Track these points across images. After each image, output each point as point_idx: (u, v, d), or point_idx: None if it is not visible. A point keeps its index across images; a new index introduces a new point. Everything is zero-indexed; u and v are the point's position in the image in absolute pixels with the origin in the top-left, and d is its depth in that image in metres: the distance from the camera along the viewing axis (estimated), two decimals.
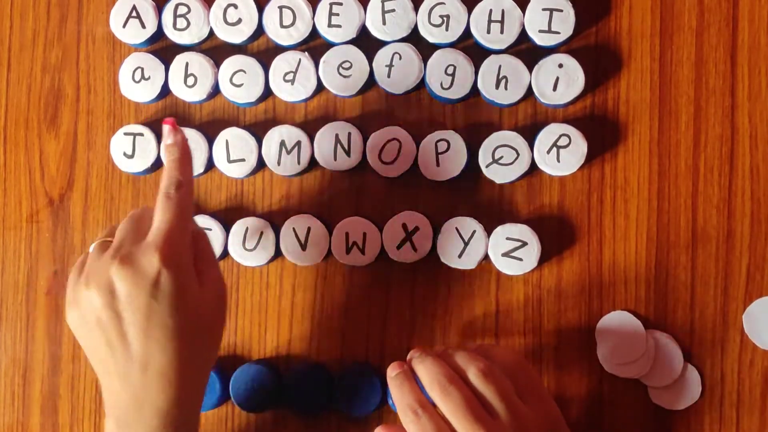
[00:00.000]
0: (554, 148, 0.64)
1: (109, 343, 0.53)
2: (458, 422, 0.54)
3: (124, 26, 0.67)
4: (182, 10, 0.66)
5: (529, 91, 0.65)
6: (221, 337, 0.58)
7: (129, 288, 0.52)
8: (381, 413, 0.66)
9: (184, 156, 0.58)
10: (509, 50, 0.65)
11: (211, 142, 0.66)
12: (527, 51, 0.65)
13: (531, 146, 0.64)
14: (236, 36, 0.66)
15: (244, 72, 0.66)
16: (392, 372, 0.58)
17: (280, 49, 0.67)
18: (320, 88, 0.66)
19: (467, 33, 0.65)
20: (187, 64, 0.66)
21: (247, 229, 0.65)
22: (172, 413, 0.53)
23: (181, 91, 0.66)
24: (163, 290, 0.52)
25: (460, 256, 0.64)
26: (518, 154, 0.64)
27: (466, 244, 0.64)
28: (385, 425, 0.58)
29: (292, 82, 0.66)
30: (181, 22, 0.66)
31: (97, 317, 0.53)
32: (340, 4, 0.65)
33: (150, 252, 0.53)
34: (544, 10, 0.64)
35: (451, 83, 0.64)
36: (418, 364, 0.57)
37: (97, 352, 0.54)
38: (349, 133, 0.65)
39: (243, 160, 0.66)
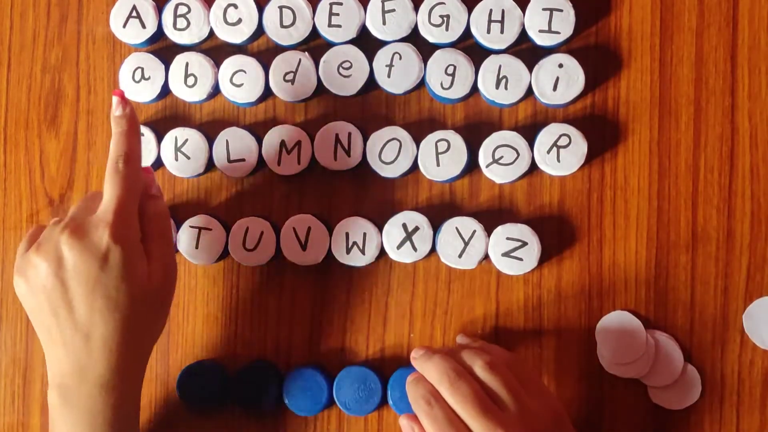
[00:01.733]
0: (554, 148, 0.64)
1: (54, 311, 0.55)
2: (468, 414, 0.55)
3: (124, 26, 0.67)
4: (182, 10, 0.66)
5: (529, 91, 0.65)
6: (167, 312, 0.60)
7: (76, 258, 0.54)
8: (380, 413, 0.66)
9: (132, 128, 0.59)
10: (509, 50, 0.65)
11: (211, 142, 0.66)
12: (527, 51, 0.65)
13: (531, 146, 0.64)
14: (236, 36, 0.66)
15: (244, 72, 0.66)
16: (410, 377, 0.59)
17: (280, 49, 0.67)
18: (320, 88, 0.66)
19: (467, 33, 0.65)
20: (187, 64, 0.66)
21: (247, 229, 0.65)
22: (113, 382, 0.55)
23: (181, 91, 0.66)
24: (111, 264, 0.54)
25: (460, 256, 0.64)
26: (518, 154, 0.64)
27: (466, 244, 0.64)
28: (407, 415, 0.59)
29: (292, 82, 0.66)
30: (181, 22, 0.66)
31: (43, 285, 0.55)
32: (340, 4, 0.65)
33: (101, 226, 0.55)
34: (544, 10, 0.64)
35: (451, 83, 0.64)
36: (426, 361, 0.58)
37: (42, 320, 0.56)
38: (349, 133, 0.65)
39: (243, 160, 0.66)
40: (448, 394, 0.56)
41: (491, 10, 0.64)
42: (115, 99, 0.59)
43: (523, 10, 0.64)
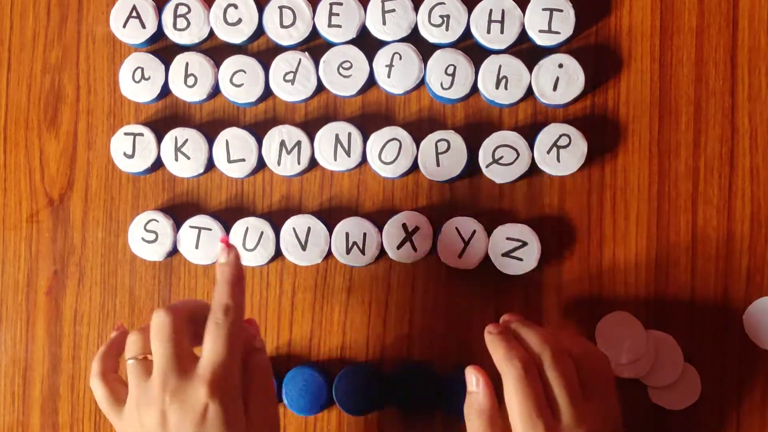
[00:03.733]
0: (554, 148, 0.64)
1: None
2: (561, 394, 0.54)
3: (124, 26, 0.67)
4: (182, 10, 0.66)
5: (529, 91, 0.65)
6: None
7: (178, 418, 0.52)
8: (381, 412, 0.66)
9: (236, 277, 0.56)
10: (509, 50, 0.65)
11: (211, 142, 0.66)
12: (527, 51, 0.65)
13: (531, 146, 0.64)
14: (236, 36, 0.66)
15: (244, 72, 0.66)
16: (492, 329, 0.58)
17: (280, 49, 0.67)
18: (320, 88, 0.66)
19: (467, 33, 0.65)
20: (187, 64, 0.66)
21: (247, 229, 0.65)
22: None
23: (181, 91, 0.66)
24: (209, 422, 0.52)
25: (460, 256, 0.64)
26: (518, 154, 0.64)
27: (466, 244, 0.64)
28: (475, 366, 0.57)
29: (292, 82, 0.66)
30: (181, 22, 0.66)
31: None
32: (340, 4, 0.65)
33: (198, 385, 0.53)
34: (544, 10, 0.64)
35: (451, 83, 0.64)
36: (529, 328, 0.57)
37: None
38: (349, 133, 0.65)
39: (243, 160, 0.66)
40: (551, 367, 0.54)
41: (491, 10, 0.64)
42: (219, 245, 0.57)
43: (523, 10, 0.64)
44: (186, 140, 0.66)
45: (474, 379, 0.57)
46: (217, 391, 0.52)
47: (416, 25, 0.65)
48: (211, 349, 0.53)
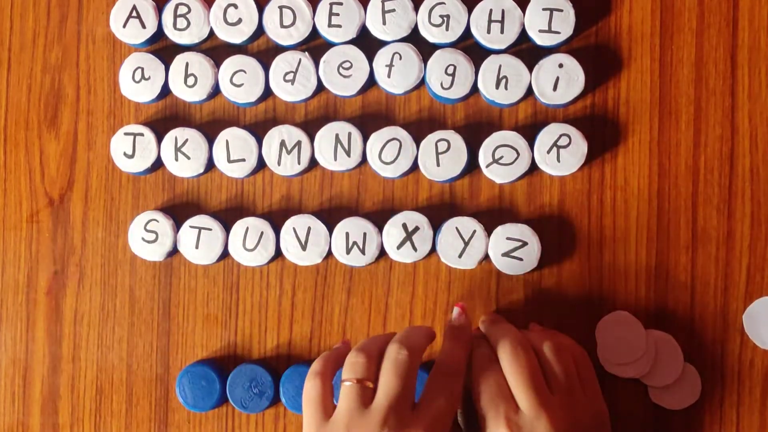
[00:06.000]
0: (554, 148, 0.64)
1: None
2: (518, 384, 0.56)
3: (124, 26, 0.67)
4: (182, 10, 0.66)
5: (529, 91, 0.65)
6: None
7: None
8: None
9: (467, 342, 0.59)
10: (509, 50, 0.65)
11: (211, 142, 0.66)
12: (527, 51, 0.65)
13: (531, 146, 0.64)
14: (236, 36, 0.66)
15: (244, 72, 0.66)
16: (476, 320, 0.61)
17: (280, 49, 0.67)
18: (320, 88, 0.66)
19: (467, 33, 0.65)
20: (187, 64, 0.66)
21: (247, 229, 0.65)
22: None
23: (181, 91, 0.66)
24: None
25: (460, 256, 0.64)
26: (518, 154, 0.64)
27: (466, 244, 0.64)
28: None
29: (292, 82, 0.66)
30: (181, 22, 0.66)
31: None
32: (340, 4, 0.65)
33: (417, 426, 0.53)
34: (544, 10, 0.64)
35: (451, 83, 0.64)
36: (493, 325, 0.60)
37: None
38: (349, 133, 0.65)
39: (243, 160, 0.66)
40: (506, 360, 0.57)
41: (491, 10, 0.64)
42: (456, 310, 0.61)
43: (523, 10, 0.64)
44: (186, 140, 0.66)
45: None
46: None
47: (416, 25, 0.65)
48: (431, 398, 0.55)
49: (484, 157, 0.64)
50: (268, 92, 0.67)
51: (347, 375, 0.55)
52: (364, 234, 0.65)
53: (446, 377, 0.56)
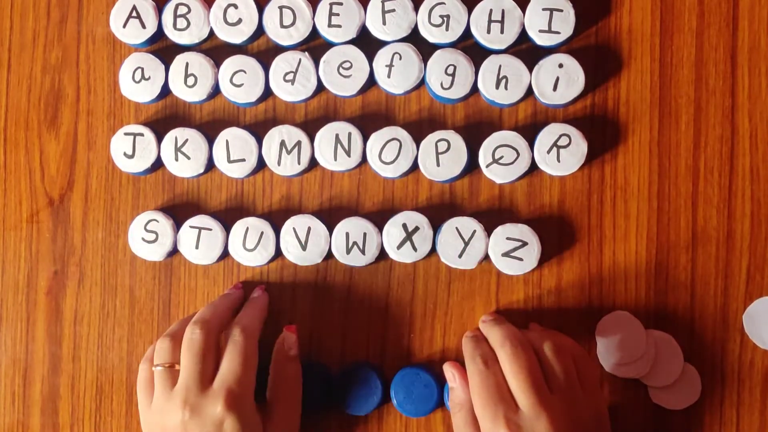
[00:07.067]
0: (554, 148, 0.64)
1: None
2: (518, 384, 0.56)
3: (124, 26, 0.67)
4: (182, 10, 0.66)
5: (529, 91, 0.65)
6: None
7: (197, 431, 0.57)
8: (381, 412, 0.66)
9: (260, 307, 0.64)
10: (509, 50, 0.65)
11: (211, 142, 0.66)
12: (527, 51, 0.65)
13: (531, 146, 0.64)
14: (236, 36, 0.66)
15: (244, 72, 0.66)
16: (469, 333, 0.62)
17: (280, 49, 0.67)
18: (320, 88, 0.66)
19: (467, 33, 0.65)
20: (187, 64, 0.66)
21: (247, 229, 0.66)
22: None
23: (181, 91, 0.66)
24: None
25: (460, 256, 0.64)
26: (518, 154, 0.64)
27: (466, 244, 0.64)
28: (452, 362, 0.62)
29: (292, 82, 0.66)
30: (181, 22, 0.66)
31: None
32: (340, 4, 0.65)
33: (216, 402, 0.57)
34: (544, 10, 0.64)
35: (451, 83, 0.64)
36: (495, 325, 0.60)
37: None
38: (349, 133, 0.65)
39: (243, 160, 0.66)
40: (506, 360, 0.57)
41: (491, 10, 0.64)
42: (259, 288, 0.66)
43: (523, 10, 0.64)
44: (186, 140, 0.66)
45: (451, 375, 0.61)
46: (233, 406, 0.57)
47: (416, 25, 0.65)
48: (228, 367, 0.58)
49: (484, 157, 0.64)
50: (268, 92, 0.67)
51: (156, 361, 0.60)
52: (364, 234, 0.65)
53: (237, 345, 0.59)
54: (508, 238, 0.64)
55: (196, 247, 0.66)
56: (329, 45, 0.66)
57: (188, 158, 0.66)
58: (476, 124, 0.66)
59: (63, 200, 0.68)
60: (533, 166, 0.64)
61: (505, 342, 0.58)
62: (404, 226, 0.65)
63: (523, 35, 0.65)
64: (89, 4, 0.69)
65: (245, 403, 0.58)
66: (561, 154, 0.64)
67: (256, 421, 0.58)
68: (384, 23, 0.65)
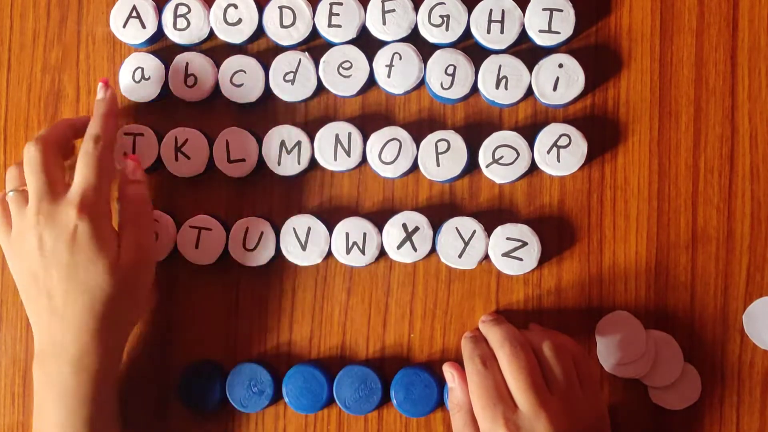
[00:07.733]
0: (554, 148, 0.64)
1: (38, 291, 0.59)
2: (517, 384, 0.57)
3: (124, 26, 0.67)
4: (182, 10, 0.66)
5: (529, 91, 0.65)
6: (144, 296, 0.63)
7: (52, 242, 0.58)
8: (381, 412, 0.66)
9: (109, 113, 0.63)
10: (509, 50, 0.65)
11: (211, 142, 0.66)
12: (527, 51, 0.65)
13: (531, 146, 0.64)
14: (236, 36, 0.66)
15: (244, 72, 0.66)
16: (468, 334, 0.62)
17: (280, 49, 0.67)
18: (320, 88, 0.66)
19: (467, 33, 0.65)
20: (187, 64, 0.66)
21: (247, 229, 0.66)
22: (84, 362, 0.58)
23: (181, 91, 0.66)
24: (79, 242, 0.58)
25: (460, 256, 0.64)
26: (518, 154, 0.64)
27: (466, 244, 0.64)
28: (451, 362, 0.62)
29: (292, 82, 0.66)
30: (181, 22, 0.66)
31: (29, 268, 0.59)
32: (340, 4, 0.65)
33: (68, 208, 0.58)
34: (544, 10, 0.64)
35: (451, 83, 0.64)
36: (494, 325, 0.61)
37: (28, 300, 0.60)
38: (349, 133, 0.65)
39: (243, 160, 0.66)
40: (506, 360, 0.58)
41: (491, 10, 0.64)
42: (99, 85, 0.64)
43: (523, 10, 0.64)
44: (186, 140, 0.66)
45: (450, 375, 0.61)
46: (86, 211, 0.58)
47: (416, 25, 0.65)
48: (80, 175, 0.60)
49: (484, 157, 0.64)
50: (268, 92, 0.66)
51: (7, 188, 0.62)
52: (364, 234, 0.65)
53: (88, 154, 0.60)
54: (508, 238, 0.64)
55: (196, 247, 0.65)
56: (329, 45, 0.66)
57: (188, 158, 0.66)
58: (476, 124, 0.66)
59: None
60: (533, 166, 0.64)
61: (504, 342, 0.58)
62: (404, 226, 0.65)
63: (523, 35, 0.65)
64: (89, 4, 0.69)
65: (100, 211, 0.59)
66: (561, 154, 0.64)
67: (111, 231, 0.60)
68: (384, 23, 0.65)
